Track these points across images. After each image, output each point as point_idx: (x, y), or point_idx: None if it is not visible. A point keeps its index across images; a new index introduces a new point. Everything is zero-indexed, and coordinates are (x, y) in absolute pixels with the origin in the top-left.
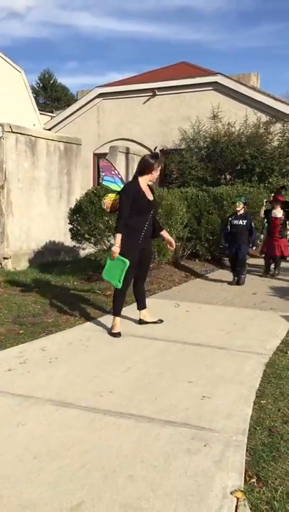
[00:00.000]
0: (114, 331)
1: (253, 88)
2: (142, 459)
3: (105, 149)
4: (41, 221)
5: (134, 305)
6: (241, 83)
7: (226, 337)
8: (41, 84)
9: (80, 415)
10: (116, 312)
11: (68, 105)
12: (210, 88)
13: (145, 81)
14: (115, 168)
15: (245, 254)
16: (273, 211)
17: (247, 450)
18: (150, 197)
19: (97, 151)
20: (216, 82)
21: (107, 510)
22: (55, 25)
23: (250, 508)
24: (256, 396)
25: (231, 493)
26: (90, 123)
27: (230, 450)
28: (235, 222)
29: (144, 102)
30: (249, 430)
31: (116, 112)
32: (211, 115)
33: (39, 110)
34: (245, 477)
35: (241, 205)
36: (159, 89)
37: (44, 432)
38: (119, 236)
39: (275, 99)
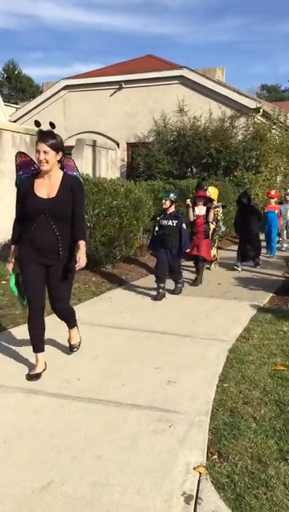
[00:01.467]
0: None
1: (218, 82)
2: (110, 441)
3: (72, 142)
4: (8, 213)
5: (101, 296)
6: (206, 77)
7: (191, 325)
8: (5, 75)
9: (49, 401)
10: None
11: (33, 97)
12: (176, 82)
13: (111, 74)
14: (34, 163)
15: (178, 260)
16: (196, 208)
17: (209, 429)
18: (47, 194)
19: (64, 144)
20: (181, 76)
21: (76, 487)
22: (19, 15)
23: (212, 482)
24: (219, 380)
25: (194, 468)
26: (56, 115)
27: (193, 430)
28: (164, 222)
29: (111, 95)
30: (212, 411)
31: (82, 104)
32: (177, 109)
33: (3, 101)
34: (207, 454)
35: (168, 203)
36: (126, 82)
37: (14, 418)
38: (12, 247)
39: (240, 93)
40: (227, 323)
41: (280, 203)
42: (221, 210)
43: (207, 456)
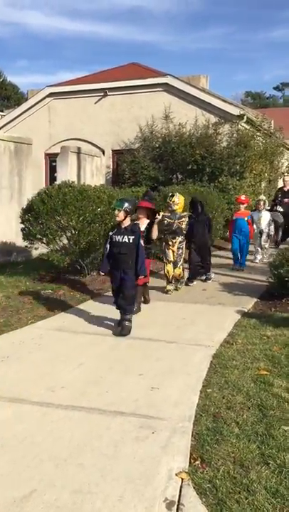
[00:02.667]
0: None
1: (203, 90)
2: (93, 448)
3: (57, 149)
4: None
5: (86, 303)
6: (191, 85)
7: (175, 331)
8: None
9: (33, 410)
10: None
11: (18, 104)
12: (160, 89)
13: (96, 81)
14: None
15: (132, 286)
16: (136, 222)
17: (192, 435)
18: None
19: (48, 151)
20: (166, 84)
21: (58, 496)
22: (4, 23)
23: (194, 487)
24: (203, 385)
25: (176, 474)
26: (41, 123)
27: (176, 436)
28: (118, 238)
29: (96, 102)
30: (195, 417)
31: (67, 111)
32: (162, 116)
33: None
34: (190, 460)
35: (122, 214)
36: (110, 89)
37: None
38: None
39: (224, 100)
40: (211, 328)
41: (253, 210)
42: (187, 220)
43: (190, 462)
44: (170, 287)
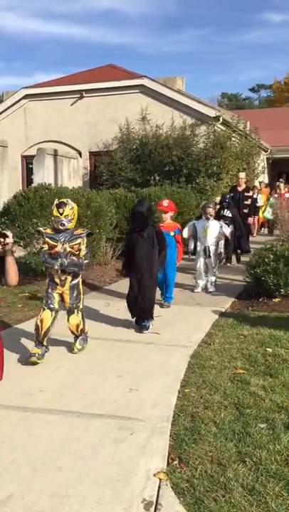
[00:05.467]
0: None
1: (179, 91)
2: (71, 451)
3: (34, 151)
4: None
5: None
6: (167, 86)
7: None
8: None
9: (10, 415)
10: None
11: None
12: (137, 91)
13: (72, 83)
14: None
15: None
16: None
17: (170, 435)
18: None
19: (25, 153)
20: (142, 85)
21: (36, 500)
22: None
23: (172, 487)
24: (181, 385)
25: (154, 475)
26: (16, 125)
27: (154, 436)
28: None
29: (72, 104)
30: (173, 417)
31: (43, 113)
32: (139, 117)
33: None
34: (168, 460)
35: None
36: (87, 91)
37: None
38: None
39: (200, 102)
40: (189, 329)
41: (198, 218)
42: (84, 240)
43: (168, 462)
44: (38, 350)
